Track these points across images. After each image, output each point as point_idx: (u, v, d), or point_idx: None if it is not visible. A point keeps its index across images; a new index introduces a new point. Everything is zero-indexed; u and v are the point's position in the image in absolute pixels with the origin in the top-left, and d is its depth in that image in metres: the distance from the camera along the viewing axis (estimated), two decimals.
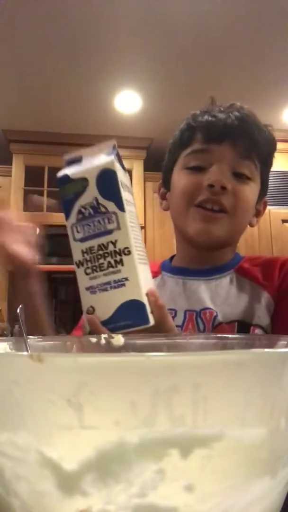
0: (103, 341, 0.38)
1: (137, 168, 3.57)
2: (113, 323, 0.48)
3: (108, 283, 0.48)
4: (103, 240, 0.48)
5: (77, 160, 0.51)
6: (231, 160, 0.69)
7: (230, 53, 2.53)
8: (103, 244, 0.48)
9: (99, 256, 0.48)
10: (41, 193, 3.52)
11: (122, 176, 0.49)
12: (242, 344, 0.36)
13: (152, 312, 0.48)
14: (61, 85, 2.85)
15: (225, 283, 0.73)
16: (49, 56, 2.56)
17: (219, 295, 0.71)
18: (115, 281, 0.48)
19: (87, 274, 0.49)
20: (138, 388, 0.19)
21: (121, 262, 0.48)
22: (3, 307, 3.35)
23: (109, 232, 0.48)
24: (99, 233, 0.48)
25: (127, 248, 0.48)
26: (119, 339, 0.38)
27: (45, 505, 0.21)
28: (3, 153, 3.51)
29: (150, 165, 3.54)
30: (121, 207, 0.48)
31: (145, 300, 0.48)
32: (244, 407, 0.20)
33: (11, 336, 3.13)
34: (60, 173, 0.50)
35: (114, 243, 0.48)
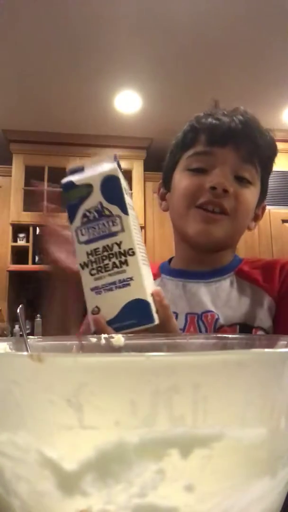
0: (103, 341, 0.38)
1: (137, 168, 3.57)
2: (119, 323, 0.49)
3: (113, 283, 0.49)
4: (108, 241, 0.50)
5: (79, 170, 0.53)
6: (233, 164, 0.69)
7: (230, 53, 2.53)
8: (108, 246, 0.50)
9: (104, 257, 0.50)
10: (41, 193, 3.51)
11: (123, 182, 0.52)
12: (242, 344, 0.36)
13: (157, 312, 0.49)
14: (61, 85, 2.85)
15: (225, 285, 0.73)
16: (49, 56, 2.56)
17: (220, 297, 0.71)
18: (120, 281, 0.49)
19: (92, 275, 0.50)
20: (138, 388, 0.19)
21: (125, 262, 0.49)
22: (3, 307, 3.35)
23: (114, 234, 0.50)
24: (104, 235, 0.50)
25: (131, 249, 0.49)
26: (119, 339, 0.38)
27: (45, 505, 0.21)
28: (3, 153, 3.51)
29: (150, 165, 3.54)
30: (125, 210, 0.50)
31: (150, 299, 0.49)
32: (244, 407, 0.20)
33: (11, 336, 3.13)
34: (64, 180, 0.53)
35: (118, 245, 0.49)
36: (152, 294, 0.50)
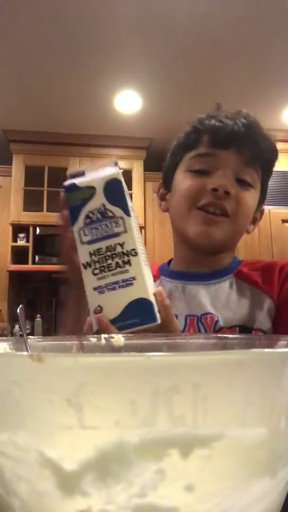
0: (103, 341, 0.38)
1: (137, 168, 3.57)
2: (121, 321, 0.49)
3: (117, 282, 0.50)
4: (111, 242, 0.51)
5: (80, 174, 0.54)
6: (235, 166, 0.69)
7: (230, 53, 2.53)
8: (111, 246, 0.51)
9: (107, 257, 0.51)
10: (41, 193, 3.52)
11: (125, 186, 0.53)
12: (242, 344, 0.36)
13: (159, 312, 0.50)
14: (61, 85, 2.85)
15: (224, 287, 0.73)
16: (49, 56, 2.56)
17: (220, 299, 0.71)
18: (123, 280, 0.50)
19: (95, 274, 0.51)
20: (138, 388, 0.19)
21: (128, 262, 0.50)
22: (3, 307, 3.35)
23: (117, 234, 0.51)
24: (107, 236, 0.51)
25: (134, 249, 0.50)
26: (119, 339, 0.38)
27: (45, 505, 0.21)
28: (3, 153, 3.51)
29: (150, 165, 3.54)
30: (127, 212, 0.51)
31: (152, 299, 0.50)
32: (244, 407, 0.20)
33: (11, 336, 3.13)
34: (67, 182, 0.54)
35: (121, 245, 0.51)
36: (154, 294, 0.50)
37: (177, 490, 0.20)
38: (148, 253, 0.54)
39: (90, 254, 0.51)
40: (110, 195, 0.51)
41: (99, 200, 0.51)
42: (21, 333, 0.35)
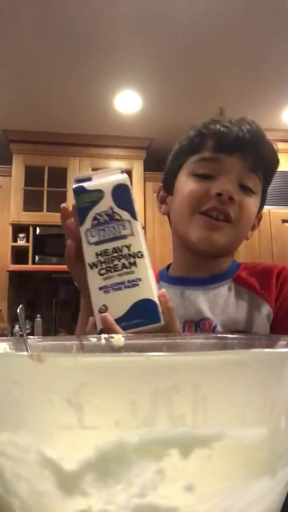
0: (103, 341, 0.38)
1: (137, 168, 3.57)
2: (126, 321, 0.50)
3: (122, 282, 0.51)
4: (118, 243, 0.52)
5: (87, 179, 0.56)
6: (239, 172, 0.69)
7: (230, 53, 2.53)
8: (117, 247, 0.52)
9: (113, 258, 0.52)
10: (41, 193, 3.52)
11: (132, 191, 0.55)
12: (242, 344, 0.36)
13: (162, 313, 0.51)
14: (61, 85, 2.85)
15: (223, 292, 0.73)
16: (49, 56, 2.56)
17: (218, 304, 0.72)
18: (129, 281, 0.51)
19: (101, 274, 0.52)
20: (138, 388, 0.19)
21: (134, 264, 0.52)
22: (3, 307, 3.35)
23: (124, 237, 0.52)
24: (114, 237, 0.52)
25: (140, 251, 0.52)
26: (119, 339, 0.38)
27: (45, 505, 0.21)
28: (3, 153, 3.51)
29: (150, 165, 3.54)
30: (134, 216, 0.53)
31: (157, 300, 0.51)
32: (244, 407, 0.20)
33: (11, 336, 3.13)
34: (75, 185, 0.55)
35: (128, 247, 0.52)
36: (158, 296, 0.51)
37: (177, 490, 0.20)
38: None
39: (97, 254, 0.52)
40: (118, 199, 0.53)
41: (107, 203, 0.53)
42: (21, 333, 0.35)
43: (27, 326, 3.40)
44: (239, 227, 0.70)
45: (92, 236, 0.53)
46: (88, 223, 0.53)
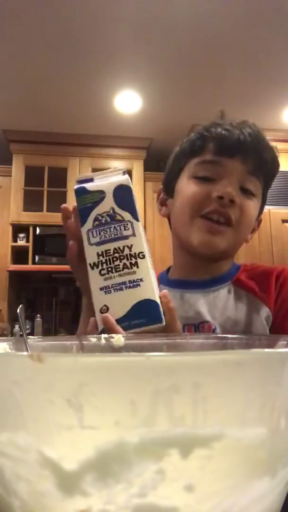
0: (103, 341, 0.38)
1: (137, 168, 3.57)
2: (127, 321, 0.50)
3: (124, 283, 0.51)
4: (119, 244, 0.52)
5: (89, 180, 0.56)
6: (240, 175, 0.69)
7: (230, 53, 2.53)
8: (119, 248, 0.52)
9: (114, 259, 0.52)
10: (41, 193, 3.52)
11: (133, 192, 0.55)
12: (242, 344, 0.36)
13: (164, 313, 0.51)
14: (61, 85, 2.86)
15: (223, 294, 0.73)
16: (49, 56, 2.56)
17: (217, 307, 0.72)
18: (130, 281, 0.51)
19: (102, 275, 0.52)
20: (138, 388, 0.19)
21: (136, 264, 0.52)
22: (3, 307, 3.35)
23: (125, 237, 0.52)
24: (115, 238, 0.52)
25: (141, 252, 0.52)
26: (119, 339, 0.38)
27: (45, 505, 0.21)
28: (3, 153, 3.51)
29: (150, 165, 3.54)
30: (136, 217, 0.53)
31: (158, 300, 0.51)
32: (244, 407, 0.20)
33: (11, 336, 3.13)
34: (77, 186, 0.55)
35: (129, 248, 0.52)
36: (160, 296, 0.51)
37: (177, 490, 0.20)
38: None
39: (98, 255, 0.52)
40: (119, 200, 0.53)
41: (108, 204, 0.53)
42: (21, 333, 0.35)
43: (27, 326, 3.40)
44: (239, 230, 0.70)
45: (93, 237, 0.53)
46: (89, 223, 0.53)
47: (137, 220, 0.53)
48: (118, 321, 0.50)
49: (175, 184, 0.75)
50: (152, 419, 0.19)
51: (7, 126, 3.37)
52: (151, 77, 2.78)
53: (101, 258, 0.52)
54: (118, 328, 0.49)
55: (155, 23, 2.28)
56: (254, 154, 0.70)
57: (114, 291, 0.51)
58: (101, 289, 0.52)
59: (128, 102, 3.06)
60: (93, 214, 0.53)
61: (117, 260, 0.52)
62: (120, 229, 0.52)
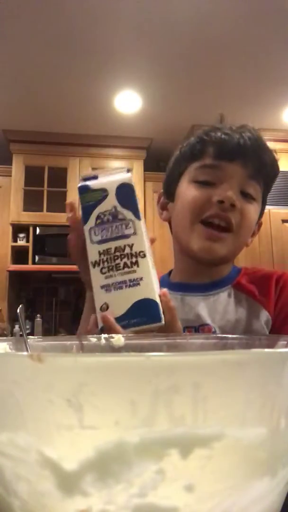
0: (103, 341, 0.38)
1: (137, 168, 3.57)
2: (127, 320, 0.50)
3: (124, 282, 0.52)
4: (120, 243, 0.52)
5: (93, 178, 0.56)
6: (240, 179, 0.70)
7: (230, 53, 2.53)
8: (120, 247, 0.52)
9: (115, 257, 0.52)
10: (41, 193, 3.52)
11: (136, 190, 0.55)
12: (242, 344, 0.36)
13: (163, 313, 0.51)
14: (61, 85, 2.85)
15: (223, 298, 0.73)
16: (49, 56, 2.56)
17: (217, 311, 0.72)
18: (130, 280, 0.51)
19: (103, 273, 0.52)
20: (138, 388, 0.19)
21: (136, 263, 0.52)
22: (3, 307, 3.35)
23: (127, 236, 0.52)
24: (117, 237, 0.53)
25: (142, 251, 0.52)
26: (119, 339, 0.38)
27: (45, 505, 0.21)
28: (3, 153, 3.51)
29: (150, 165, 3.54)
30: (138, 216, 0.53)
31: (158, 300, 0.51)
32: (244, 407, 0.20)
33: (11, 336, 3.13)
34: (80, 184, 0.55)
35: (130, 246, 0.52)
36: (160, 296, 0.52)
37: (177, 490, 0.20)
38: None
39: (99, 253, 0.53)
40: (122, 198, 0.53)
41: (111, 202, 0.53)
42: (21, 333, 0.35)
43: (27, 326, 3.40)
44: (239, 235, 0.71)
45: (95, 235, 0.53)
46: (92, 221, 0.53)
47: (139, 218, 0.53)
48: (118, 319, 0.50)
49: (175, 188, 0.75)
50: (152, 419, 0.19)
51: (7, 126, 3.37)
52: (151, 77, 2.78)
53: (102, 256, 0.52)
54: (117, 327, 0.49)
55: (155, 23, 2.28)
56: (254, 158, 0.70)
57: (114, 290, 0.51)
58: (101, 287, 0.52)
59: (128, 102, 3.06)
60: (95, 212, 0.53)
61: (118, 258, 0.52)
62: (122, 228, 0.53)
